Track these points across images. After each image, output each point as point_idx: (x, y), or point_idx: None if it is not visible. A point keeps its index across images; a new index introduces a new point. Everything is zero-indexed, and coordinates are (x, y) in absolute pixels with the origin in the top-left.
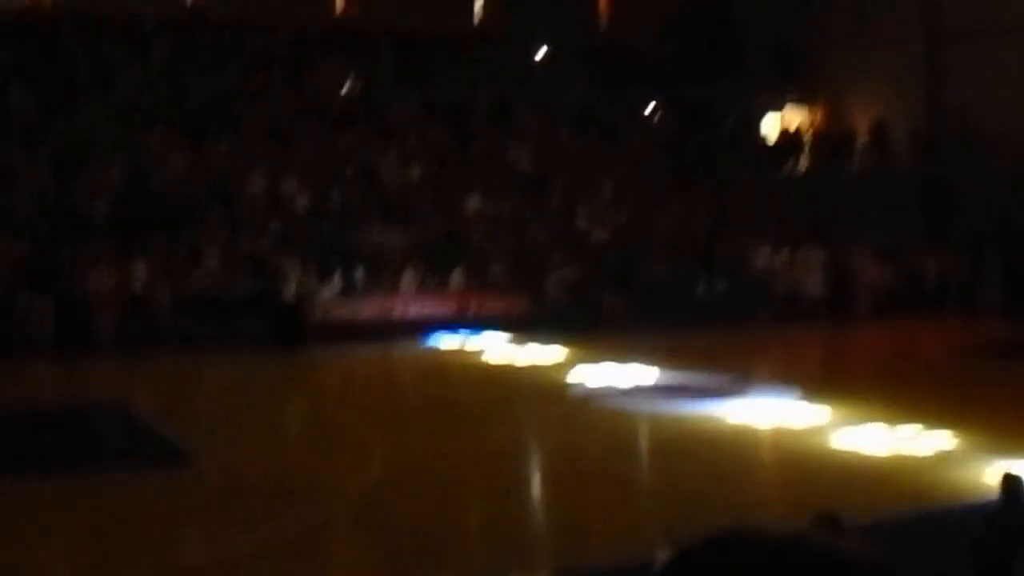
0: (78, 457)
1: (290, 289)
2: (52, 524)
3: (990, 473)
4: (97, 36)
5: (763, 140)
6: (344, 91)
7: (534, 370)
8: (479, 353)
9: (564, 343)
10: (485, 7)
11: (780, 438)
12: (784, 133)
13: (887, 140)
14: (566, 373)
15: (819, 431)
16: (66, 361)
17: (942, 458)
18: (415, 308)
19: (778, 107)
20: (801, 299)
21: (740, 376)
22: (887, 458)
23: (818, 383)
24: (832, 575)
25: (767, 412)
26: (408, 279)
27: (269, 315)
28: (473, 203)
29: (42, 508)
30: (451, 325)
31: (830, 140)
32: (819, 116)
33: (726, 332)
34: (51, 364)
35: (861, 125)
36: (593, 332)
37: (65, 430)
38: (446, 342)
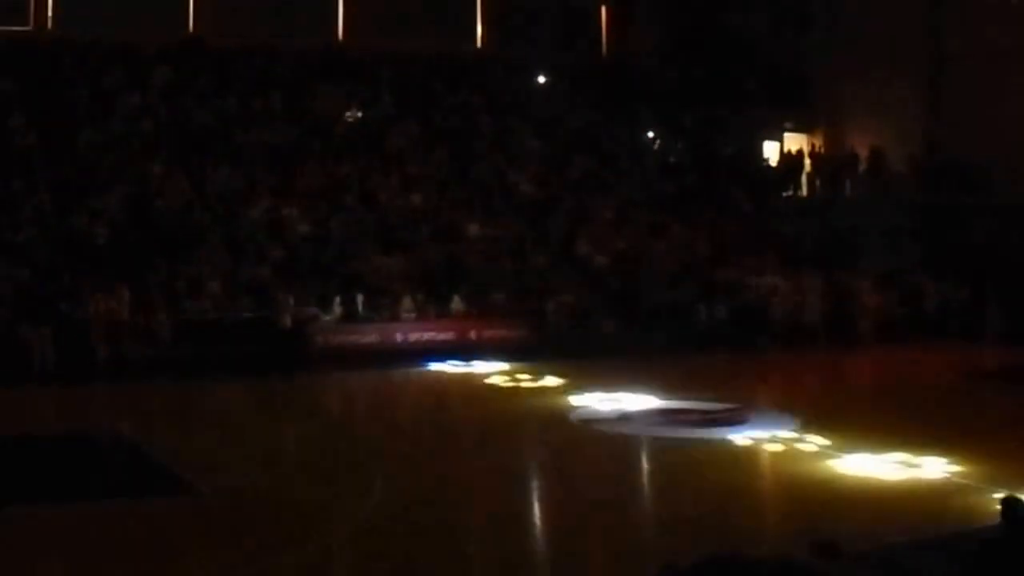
0: (78, 485)
1: (287, 316)
2: (53, 551)
3: (990, 499)
4: (97, 63)
5: (763, 166)
6: (345, 117)
7: (534, 395)
8: (480, 379)
9: (564, 368)
10: (486, 32)
11: (779, 464)
12: (784, 159)
13: (885, 166)
14: (566, 398)
15: (818, 457)
16: (67, 388)
17: (942, 485)
18: (416, 334)
19: (777, 134)
20: (801, 325)
21: (740, 403)
22: (887, 485)
23: (817, 410)
24: None
25: (766, 439)
26: (409, 305)
27: (269, 341)
28: (474, 228)
29: (43, 535)
30: (452, 351)
31: (829, 166)
32: (818, 142)
33: (726, 358)
34: (53, 391)
35: (860, 151)
36: (593, 357)
37: (65, 458)
38: (447, 368)
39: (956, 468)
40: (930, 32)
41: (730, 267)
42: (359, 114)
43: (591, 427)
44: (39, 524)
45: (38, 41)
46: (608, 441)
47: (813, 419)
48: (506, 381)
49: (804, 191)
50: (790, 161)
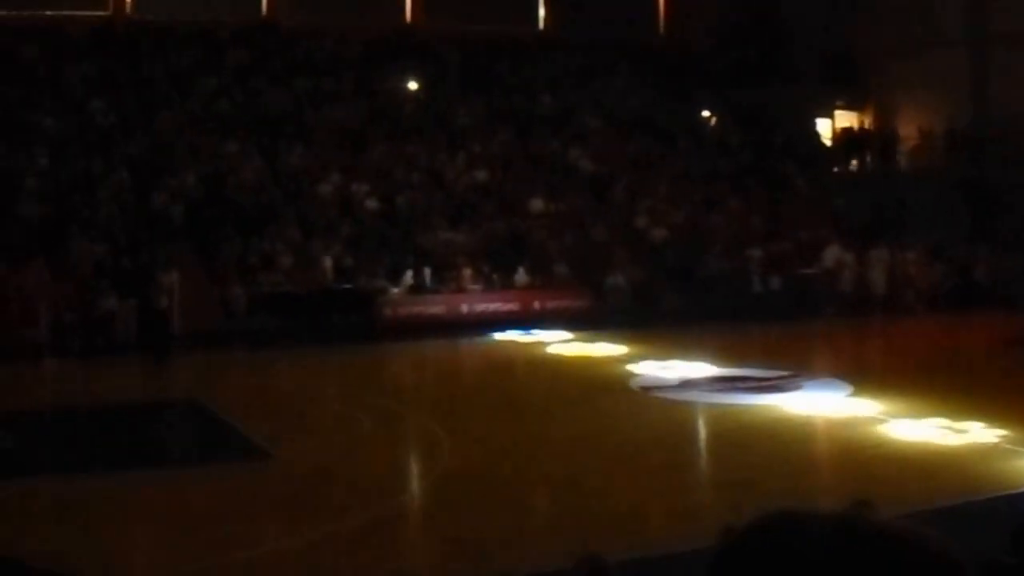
0: (157, 451)
1: (361, 286)
2: (133, 515)
3: None
4: (174, 46)
5: (815, 143)
6: (411, 97)
7: (596, 364)
8: (542, 348)
9: (624, 338)
10: (548, 14)
11: (832, 429)
12: (835, 136)
13: (934, 141)
14: (626, 366)
15: (870, 423)
16: (147, 359)
17: (991, 449)
18: (481, 305)
19: (829, 111)
20: (868, 296)
21: (794, 370)
22: (937, 449)
23: (870, 377)
24: (886, 552)
25: (821, 404)
26: (474, 277)
27: (339, 312)
28: (536, 204)
29: (123, 500)
30: (515, 321)
31: (879, 142)
32: (868, 120)
33: (781, 327)
34: (134, 362)
35: (909, 128)
36: (652, 327)
37: (144, 427)
38: (511, 338)
39: (1005, 432)
40: (975, 9)
41: (784, 240)
42: (422, 89)
43: (651, 394)
44: (120, 489)
45: (116, 25)
46: (667, 407)
47: (865, 385)
48: (568, 350)
49: (855, 167)
50: (841, 138)
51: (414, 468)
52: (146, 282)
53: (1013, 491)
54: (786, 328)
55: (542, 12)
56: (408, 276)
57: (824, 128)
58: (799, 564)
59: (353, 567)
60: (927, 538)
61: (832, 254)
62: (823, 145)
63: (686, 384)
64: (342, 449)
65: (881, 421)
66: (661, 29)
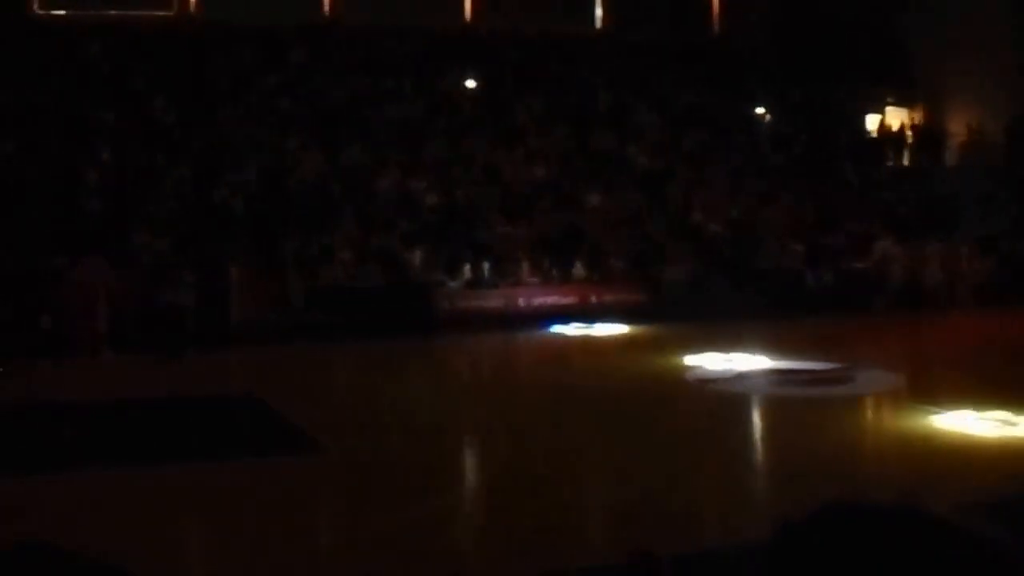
0: (213, 446)
1: (419, 280)
2: (191, 506)
3: None
4: (238, 44)
5: (866, 138)
6: (470, 95)
7: (652, 357)
8: (600, 341)
9: (680, 331)
10: (604, 13)
11: (884, 422)
12: (886, 131)
13: (981, 137)
14: (683, 359)
15: (921, 415)
16: (208, 354)
17: None
18: (538, 298)
19: (880, 107)
20: (923, 290)
21: (847, 363)
22: (987, 442)
23: (921, 370)
24: (943, 542)
25: (873, 397)
26: (532, 271)
27: (398, 306)
28: (593, 199)
29: (181, 491)
30: (573, 315)
31: (928, 138)
32: (918, 115)
33: (833, 321)
34: (195, 357)
35: (957, 123)
36: (708, 320)
37: (201, 420)
38: (568, 331)
39: None
40: (1020, 7)
41: (837, 233)
42: (481, 86)
43: (707, 386)
44: (179, 482)
45: (180, 25)
46: (723, 400)
47: (916, 379)
48: (625, 343)
49: (906, 161)
50: (892, 133)
51: (470, 462)
52: (209, 275)
53: None
54: (838, 321)
55: (598, 11)
56: (467, 270)
57: (875, 123)
58: (858, 554)
59: (408, 561)
60: (982, 530)
61: (881, 248)
62: (874, 140)
63: (741, 377)
64: (399, 443)
65: (933, 413)
66: (715, 25)
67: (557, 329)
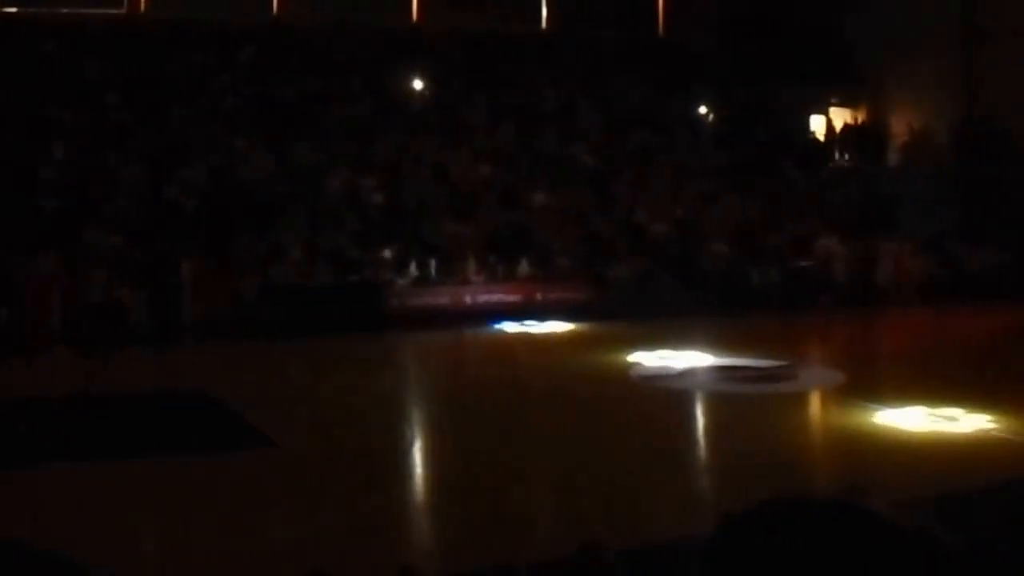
0: (165, 442)
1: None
2: (142, 502)
3: None
4: (188, 43)
5: (810, 138)
6: (417, 94)
7: (597, 354)
8: (545, 338)
9: (625, 329)
10: (550, 13)
11: (827, 418)
12: (830, 131)
13: (926, 137)
14: (627, 356)
15: (863, 412)
16: (158, 350)
17: (982, 437)
18: (484, 296)
19: (824, 108)
20: (872, 287)
21: (790, 360)
22: (928, 437)
23: (863, 367)
24: (878, 537)
25: (816, 394)
26: (478, 269)
27: (347, 303)
28: (539, 197)
29: (132, 488)
30: (518, 312)
31: (872, 138)
32: (862, 116)
33: (777, 319)
34: (146, 352)
35: (900, 124)
36: (652, 319)
37: (152, 416)
38: (513, 328)
39: (995, 423)
40: (964, 8)
41: (780, 233)
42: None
43: (650, 383)
44: (130, 477)
45: (133, 24)
46: (666, 396)
47: (859, 376)
48: (571, 340)
49: (848, 162)
50: (836, 134)
51: (419, 457)
52: (160, 272)
53: (1003, 479)
54: (783, 319)
55: (544, 11)
56: (413, 268)
57: (819, 124)
58: (795, 550)
59: (358, 555)
60: (919, 525)
61: (823, 246)
62: (818, 140)
63: (684, 374)
64: (349, 439)
65: (875, 410)
66: (660, 26)
67: (503, 326)
